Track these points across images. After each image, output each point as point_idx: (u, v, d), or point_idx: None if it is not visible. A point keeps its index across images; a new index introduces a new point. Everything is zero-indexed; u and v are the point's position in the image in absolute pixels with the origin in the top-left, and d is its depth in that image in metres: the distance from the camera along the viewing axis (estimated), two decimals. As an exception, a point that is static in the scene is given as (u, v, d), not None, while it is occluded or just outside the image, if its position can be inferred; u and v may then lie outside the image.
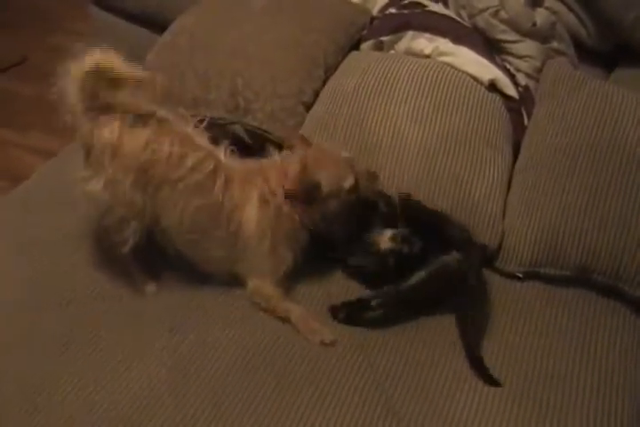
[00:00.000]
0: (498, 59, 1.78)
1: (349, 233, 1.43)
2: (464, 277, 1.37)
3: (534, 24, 1.82)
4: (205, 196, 1.34)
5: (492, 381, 1.28)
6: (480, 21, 1.80)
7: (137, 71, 1.29)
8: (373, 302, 1.37)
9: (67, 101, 1.28)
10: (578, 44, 1.93)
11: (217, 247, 1.39)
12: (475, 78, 1.66)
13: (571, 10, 1.93)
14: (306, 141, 1.44)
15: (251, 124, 1.68)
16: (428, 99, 1.58)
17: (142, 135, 1.30)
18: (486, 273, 1.47)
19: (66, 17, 3.18)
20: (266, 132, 1.67)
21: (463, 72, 1.66)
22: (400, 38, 1.80)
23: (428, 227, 1.42)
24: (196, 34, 1.80)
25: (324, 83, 1.73)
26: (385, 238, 1.40)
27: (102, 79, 1.26)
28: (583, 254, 1.42)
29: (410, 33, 1.78)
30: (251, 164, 1.44)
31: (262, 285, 1.40)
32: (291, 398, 1.24)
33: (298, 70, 1.72)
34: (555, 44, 1.87)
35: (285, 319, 1.38)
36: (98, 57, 1.26)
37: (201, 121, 1.42)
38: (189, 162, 1.32)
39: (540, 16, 1.85)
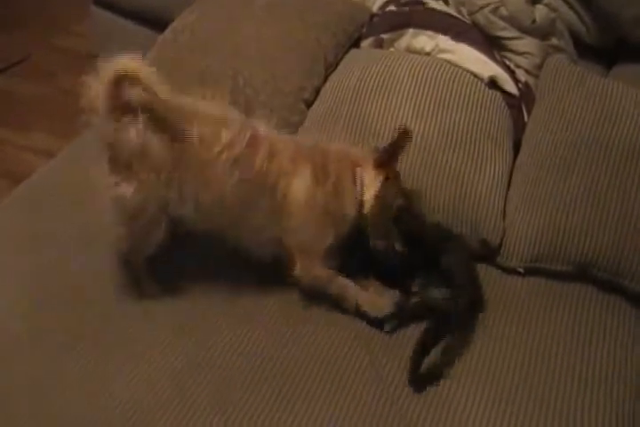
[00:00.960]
0: (498, 55, 1.79)
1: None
2: (447, 315, 1.34)
3: (534, 21, 1.83)
4: (247, 167, 1.31)
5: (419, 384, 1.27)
6: (480, 18, 1.81)
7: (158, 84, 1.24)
8: None
9: (92, 104, 1.25)
10: (577, 41, 1.93)
11: (261, 217, 1.35)
12: (475, 75, 1.66)
13: (570, 7, 1.93)
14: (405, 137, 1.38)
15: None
16: (429, 96, 1.58)
17: (167, 130, 1.26)
18: (486, 268, 1.48)
19: (67, 16, 3.18)
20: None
21: (463, 69, 1.66)
22: (400, 36, 1.80)
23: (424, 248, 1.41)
24: (198, 31, 1.80)
25: (325, 80, 1.74)
26: None
27: (125, 82, 1.24)
28: (584, 250, 1.42)
29: (410, 30, 1.78)
30: (304, 140, 1.43)
31: (310, 264, 1.37)
32: (297, 400, 1.24)
33: (298, 68, 1.72)
34: (554, 41, 1.87)
35: (340, 297, 1.37)
36: (127, 63, 1.23)
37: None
38: (223, 138, 1.29)
39: (540, 13, 1.85)
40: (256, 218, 1.36)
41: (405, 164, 1.51)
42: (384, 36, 1.82)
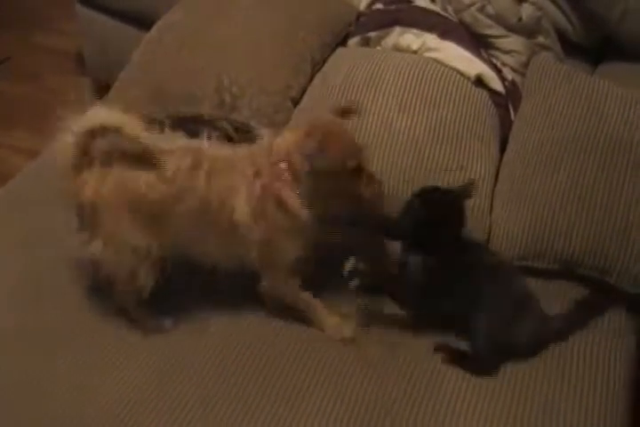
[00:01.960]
0: (484, 54, 1.79)
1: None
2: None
3: (520, 19, 1.83)
4: (193, 195, 1.27)
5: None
6: (466, 16, 1.81)
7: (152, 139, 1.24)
8: None
9: (60, 161, 1.25)
10: (563, 39, 1.93)
11: (222, 245, 1.31)
12: (461, 73, 1.66)
13: (556, 5, 1.94)
14: (348, 111, 1.31)
15: (238, 120, 1.67)
16: (416, 93, 1.58)
17: (116, 176, 1.26)
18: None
19: (51, 16, 3.15)
20: (253, 128, 1.67)
21: (450, 67, 1.66)
22: (387, 34, 1.80)
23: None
24: (183, 30, 1.80)
25: (312, 78, 1.73)
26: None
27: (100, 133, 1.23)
28: (570, 248, 1.42)
29: (397, 29, 1.78)
30: (239, 150, 1.34)
31: (274, 283, 1.34)
32: (276, 397, 1.24)
33: (285, 66, 1.72)
34: (540, 39, 1.88)
35: (306, 316, 1.35)
36: (104, 116, 1.22)
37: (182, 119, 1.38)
38: (168, 173, 1.26)
39: (526, 11, 1.86)
40: (219, 245, 1.32)
41: (393, 159, 1.51)
42: (371, 34, 1.82)
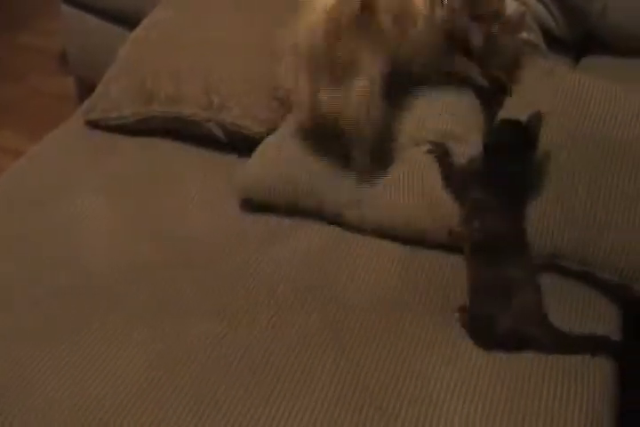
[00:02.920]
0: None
1: None
2: None
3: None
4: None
5: None
6: (450, 12, 1.81)
7: None
8: None
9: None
10: (546, 34, 1.94)
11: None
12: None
13: (539, 0, 1.95)
14: None
15: (226, 120, 1.67)
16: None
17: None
18: (459, 261, 1.46)
19: (34, 15, 3.13)
20: (241, 128, 1.67)
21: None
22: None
23: None
24: (169, 28, 1.79)
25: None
26: None
27: None
28: (552, 242, 1.42)
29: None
30: None
31: None
32: (266, 392, 1.24)
33: (272, 66, 1.72)
34: (524, 35, 1.89)
35: None
36: None
37: None
38: None
39: (510, 7, 1.86)
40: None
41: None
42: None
